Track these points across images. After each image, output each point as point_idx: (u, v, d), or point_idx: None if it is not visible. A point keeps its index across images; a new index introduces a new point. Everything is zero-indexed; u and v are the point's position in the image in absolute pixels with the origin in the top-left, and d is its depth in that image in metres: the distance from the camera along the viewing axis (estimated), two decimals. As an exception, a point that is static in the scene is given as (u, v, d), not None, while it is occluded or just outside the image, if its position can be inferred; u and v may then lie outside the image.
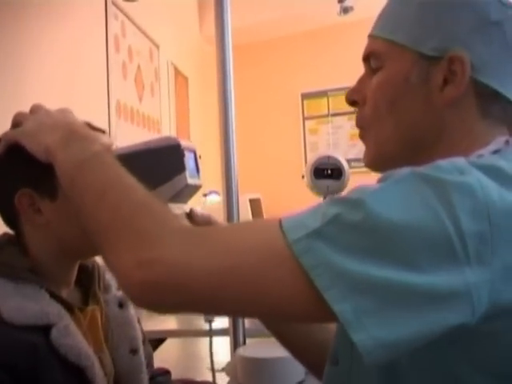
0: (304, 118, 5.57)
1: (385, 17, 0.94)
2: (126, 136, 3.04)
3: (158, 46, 3.76)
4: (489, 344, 0.70)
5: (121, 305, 1.20)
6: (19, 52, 2.12)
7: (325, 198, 1.93)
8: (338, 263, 0.65)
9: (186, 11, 4.53)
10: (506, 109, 0.88)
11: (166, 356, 1.60)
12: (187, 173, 1.00)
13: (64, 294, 1.12)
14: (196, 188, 1.07)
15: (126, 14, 3.02)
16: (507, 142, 0.85)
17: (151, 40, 3.61)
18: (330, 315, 0.64)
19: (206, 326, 1.85)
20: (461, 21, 0.85)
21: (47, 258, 1.10)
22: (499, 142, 0.84)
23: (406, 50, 0.88)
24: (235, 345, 1.78)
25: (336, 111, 5.37)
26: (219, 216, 1.70)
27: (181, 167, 1.00)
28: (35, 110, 1.04)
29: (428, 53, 0.86)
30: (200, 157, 1.08)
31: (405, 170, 0.72)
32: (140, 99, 3.33)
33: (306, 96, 5.53)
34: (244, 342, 1.79)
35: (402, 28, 0.89)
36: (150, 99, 3.54)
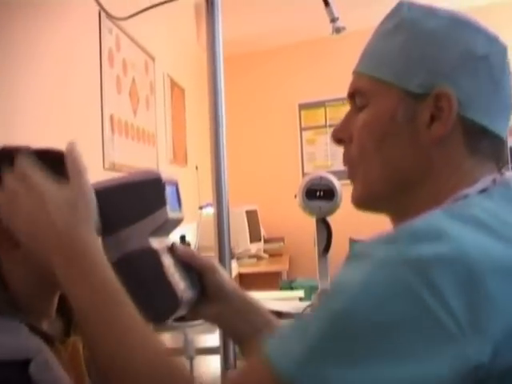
0: (301, 129, 5.56)
1: (369, 53, 0.92)
2: (120, 150, 3.02)
3: (153, 59, 3.75)
4: None
5: None
6: (12, 65, 2.11)
7: (317, 218, 1.92)
8: (341, 378, 0.63)
9: (183, 22, 4.52)
10: (495, 144, 0.87)
11: None
12: (168, 207, 0.98)
13: (45, 325, 1.10)
14: (177, 222, 1.05)
15: (120, 28, 3.01)
16: (494, 180, 0.83)
17: (147, 52, 3.60)
18: None
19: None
20: (446, 56, 0.84)
21: (26, 290, 1.08)
22: (486, 180, 0.82)
23: (391, 87, 0.87)
24: (226, 363, 1.76)
25: (333, 122, 5.35)
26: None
27: (162, 202, 0.98)
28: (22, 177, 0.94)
29: (414, 90, 0.85)
30: (178, 190, 1.05)
31: (380, 253, 0.69)
32: (135, 113, 3.31)
33: (303, 106, 5.53)
34: (234, 362, 1.76)
35: (387, 64, 0.87)
36: (145, 112, 3.53)
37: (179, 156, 4.42)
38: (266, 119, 5.64)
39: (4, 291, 1.06)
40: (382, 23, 0.93)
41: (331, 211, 1.86)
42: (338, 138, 0.95)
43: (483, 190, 0.81)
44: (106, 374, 0.83)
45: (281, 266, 4.64)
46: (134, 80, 3.31)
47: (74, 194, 0.91)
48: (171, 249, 1.03)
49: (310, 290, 2.58)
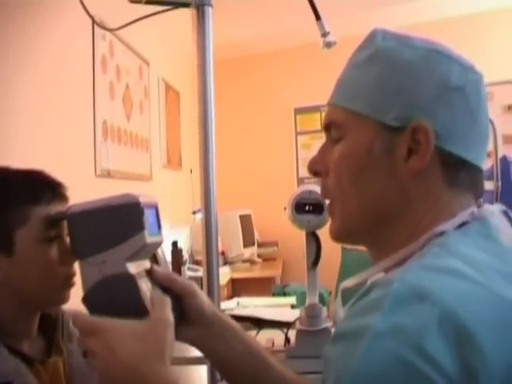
0: (297, 133, 5.55)
1: (343, 84, 0.90)
2: (113, 157, 3.02)
3: (148, 63, 3.74)
4: None
5: (84, 353, 1.17)
6: (5, 71, 2.11)
7: (307, 232, 1.91)
8: None
9: (178, 25, 4.48)
10: (473, 175, 0.86)
11: None
12: (146, 232, 0.97)
13: (25, 346, 1.10)
14: (157, 245, 1.04)
15: (114, 34, 3.00)
16: (472, 213, 0.83)
17: (141, 57, 3.59)
18: None
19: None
20: (422, 88, 0.83)
21: (6, 311, 1.08)
22: (464, 215, 0.82)
23: (367, 119, 0.85)
24: (212, 375, 1.75)
25: (329, 127, 5.36)
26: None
27: (140, 226, 0.96)
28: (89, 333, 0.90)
29: (390, 123, 0.83)
30: (158, 212, 1.04)
31: (368, 326, 0.67)
32: (128, 118, 3.30)
33: (298, 111, 5.52)
34: (222, 377, 1.76)
35: (362, 97, 0.86)
36: (139, 117, 3.52)
37: (173, 160, 4.41)
38: (262, 123, 5.63)
39: (-16, 313, 1.06)
40: (357, 52, 0.91)
41: (320, 225, 1.84)
42: (314, 171, 0.93)
43: (463, 224, 0.81)
44: None
45: (274, 272, 4.62)
46: (127, 85, 3.30)
47: (146, 327, 0.89)
48: (149, 272, 1.02)
49: (302, 297, 2.57)
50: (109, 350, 0.85)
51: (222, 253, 4.53)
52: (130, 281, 0.94)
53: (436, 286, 0.67)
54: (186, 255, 3.57)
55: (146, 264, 1.01)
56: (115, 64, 3.12)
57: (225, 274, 4.03)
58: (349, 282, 0.93)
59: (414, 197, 0.84)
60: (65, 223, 1.09)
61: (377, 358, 0.65)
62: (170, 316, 0.91)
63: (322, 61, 5.59)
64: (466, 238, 0.78)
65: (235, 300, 3.19)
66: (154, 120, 3.90)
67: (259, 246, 5.18)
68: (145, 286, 0.96)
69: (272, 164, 5.53)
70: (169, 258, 3.14)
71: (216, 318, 1.07)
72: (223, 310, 2.83)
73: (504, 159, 3.94)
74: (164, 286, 1.01)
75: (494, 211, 0.87)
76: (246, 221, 4.93)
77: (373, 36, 0.90)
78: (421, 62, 0.84)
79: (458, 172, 0.84)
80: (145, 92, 3.68)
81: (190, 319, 1.04)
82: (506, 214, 0.89)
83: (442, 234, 0.79)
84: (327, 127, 0.91)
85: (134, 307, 0.93)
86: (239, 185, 5.52)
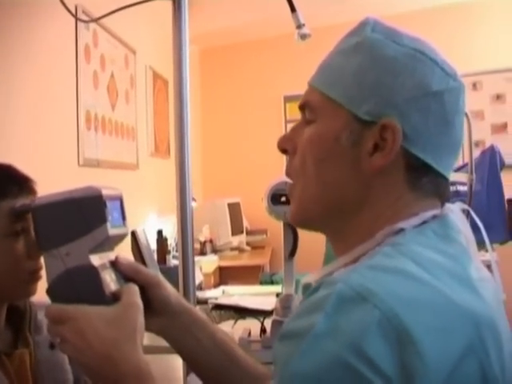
0: (286, 121, 5.55)
1: (326, 68, 0.89)
2: (96, 146, 3.02)
3: (134, 52, 3.73)
4: None
5: (52, 346, 1.19)
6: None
7: (284, 223, 1.92)
8: None
9: (164, 12, 4.48)
10: (437, 182, 0.85)
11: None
12: (109, 224, 0.98)
13: None
14: (121, 237, 1.05)
15: (98, 23, 2.99)
16: (435, 216, 0.82)
17: (127, 46, 3.58)
18: None
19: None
20: (400, 87, 0.81)
21: None
22: (425, 215, 0.82)
23: (341, 108, 0.84)
24: (187, 368, 1.77)
25: (319, 115, 5.36)
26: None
27: (102, 219, 0.97)
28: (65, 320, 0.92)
29: (362, 116, 0.82)
30: (122, 204, 1.05)
31: (310, 327, 0.68)
32: (113, 107, 3.30)
33: (288, 99, 5.51)
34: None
35: (340, 85, 0.85)
36: (125, 106, 3.51)
37: (161, 148, 4.41)
38: (252, 111, 5.63)
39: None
40: (345, 38, 0.90)
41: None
42: (282, 148, 0.93)
43: (420, 224, 0.81)
44: None
45: (262, 260, 4.64)
46: (112, 74, 3.29)
47: (116, 312, 0.91)
48: (113, 263, 1.03)
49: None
50: (80, 336, 0.87)
51: (211, 241, 4.54)
52: (93, 272, 0.96)
53: (380, 288, 0.67)
54: (173, 243, 3.59)
55: (111, 255, 1.02)
56: (99, 53, 3.11)
57: (212, 262, 4.04)
58: (310, 278, 0.93)
59: (373, 192, 0.83)
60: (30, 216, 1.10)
61: (315, 359, 0.66)
62: (139, 301, 0.92)
63: (313, 49, 5.59)
64: (422, 238, 0.78)
65: (221, 288, 3.21)
66: (141, 108, 3.89)
67: (248, 233, 5.19)
68: (108, 277, 0.98)
69: (261, 152, 5.53)
70: (154, 246, 3.15)
71: (183, 309, 1.08)
72: (208, 299, 2.85)
73: (492, 149, 3.96)
74: (129, 276, 1.02)
75: (453, 210, 0.88)
76: (234, 209, 4.95)
77: (363, 25, 0.88)
78: (404, 60, 0.82)
79: (421, 177, 0.83)
80: (131, 81, 3.67)
81: (155, 310, 1.04)
82: (464, 212, 0.89)
83: (399, 231, 0.80)
84: (302, 107, 0.90)
85: (97, 298, 0.94)
86: (228, 173, 5.53)
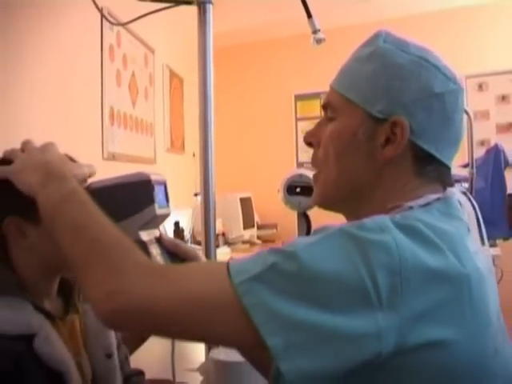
0: (297, 119, 5.68)
1: (344, 73, 1.05)
2: (119, 141, 3.18)
3: (153, 51, 3.89)
4: (391, 376, 0.83)
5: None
6: (20, 60, 2.27)
7: (298, 212, 2.07)
8: (272, 304, 0.79)
9: (182, 14, 4.62)
10: (440, 170, 1.00)
11: (145, 355, 1.73)
12: (156, 205, 1.14)
13: (47, 305, 1.26)
14: (165, 216, 1.21)
15: (119, 23, 3.15)
16: (438, 198, 0.97)
17: (146, 46, 3.74)
18: (264, 347, 0.78)
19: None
20: (407, 90, 0.97)
21: (31, 274, 1.24)
22: (430, 198, 0.96)
23: (357, 107, 0.99)
24: (209, 346, 1.92)
25: (328, 113, 5.48)
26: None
27: (150, 200, 1.14)
28: (24, 146, 1.16)
29: (375, 114, 0.97)
30: (166, 188, 1.22)
31: (335, 228, 0.85)
32: (133, 104, 3.47)
33: (299, 97, 5.64)
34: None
35: (357, 88, 1.00)
36: (144, 103, 3.68)
37: (177, 144, 4.57)
38: (263, 109, 5.77)
39: (12, 275, 1.22)
40: (361, 47, 1.06)
41: (310, 206, 2.01)
42: (308, 142, 1.08)
43: (426, 205, 0.95)
44: (81, 264, 0.94)
45: (272, 252, 4.76)
46: (133, 73, 3.46)
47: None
48: (158, 239, 1.19)
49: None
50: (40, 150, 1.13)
51: (223, 234, 4.69)
52: (142, 246, 1.12)
53: (395, 231, 0.83)
54: (188, 235, 3.75)
55: (156, 232, 1.19)
56: (122, 53, 3.29)
57: (225, 254, 4.19)
58: None
59: (385, 179, 0.99)
60: None
61: (330, 244, 0.83)
62: None
63: (323, 49, 5.71)
64: (427, 214, 0.92)
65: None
66: (159, 106, 4.06)
67: (259, 228, 5.34)
68: (154, 250, 1.14)
69: (272, 149, 5.68)
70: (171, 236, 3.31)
71: None
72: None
73: (496, 148, 4.09)
74: (171, 251, 1.19)
75: (455, 192, 1.03)
76: (246, 203, 5.09)
77: (376, 36, 1.04)
78: (411, 67, 0.98)
79: (426, 166, 0.99)
80: (150, 79, 3.84)
81: None
82: (465, 194, 1.05)
83: (408, 209, 0.94)
84: (325, 106, 1.06)
85: None
86: (241, 169, 5.68)
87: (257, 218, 5.33)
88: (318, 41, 1.87)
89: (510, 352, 0.93)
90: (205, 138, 1.85)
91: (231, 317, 0.81)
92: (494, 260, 3.90)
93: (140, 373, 1.57)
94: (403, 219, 0.88)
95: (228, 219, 4.74)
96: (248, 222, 5.05)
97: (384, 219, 0.86)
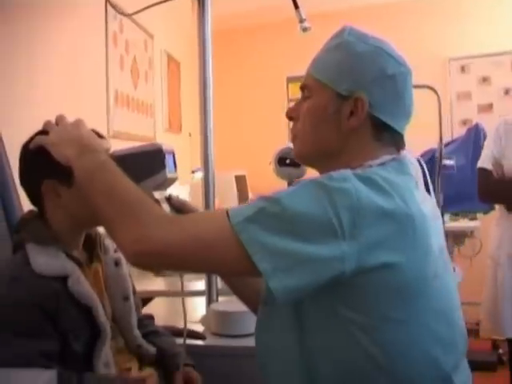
0: (289, 101, 5.88)
1: (317, 60, 1.31)
2: (123, 121, 3.43)
3: (152, 37, 4.11)
4: (354, 291, 1.09)
5: (116, 263, 1.59)
6: (29, 47, 2.49)
7: (288, 182, 2.30)
8: (262, 238, 1.04)
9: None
10: (394, 137, 1.26)
11: (153, 312, 1.94)
12: (167, 170, 1.39)
13: (75, 254, 1.49)
14: (173, 180, 1.46)
15: (124, 13, 3.38)
16: (394, 159, 1.23)
17: (146, 32, 3.97)
18: (257, 272, 1.04)
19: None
20: (366, 73, 1.23)
21: (63, 228, 1.47)
22: (386, 158, 1.22)
23: (327, 87, 1.25)
24: (209, 301, 2.17)
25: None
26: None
27: (162, 166, 1.38)
28: (58, 121, 1.39)
29: (341, 92, 1.23)
30: (174, 157, 1.46)
31: (309, 179, 1.11)
32: (135, 87, 3.71)
33: (291, 79, 5.84)
34: (217, 300, 2.18)
35: (327, 72, 1.26)
36: (144, 86, 3.92)
37: (174, 124, 4.79)
38: (256, 91, 5.97)
39: (48, 228, 1.46)
40: (330, 39, 1.31)
41: (299, 176, 2.23)
42: (289, 116, 1.34)
43: (382, 164, 1.21)
44: (113, 218, 1.17)
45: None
46: (135, 58, 3.70)
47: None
48: (168, 199, 1.44)
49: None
50: (72, 125, 1.34)
51: (219, 210, 4.89)
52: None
53: (355, 180, 1.08)
54: (185, 210, 3.97)
55: (166, 194, 1.43)
56: (124, 39, 3.52)
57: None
58: None
59: (350, 143, 1.24)
60: None
61: (304, 192, 1.08)
62: None
63: (314, 33, 5.91)
64: (383, 170, 1.17)
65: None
66: (157, 88, 4.29)
67: (253, 204, 5.53)
68: (165, 207, 1.39)
69: (266, 129, 5.86)
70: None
71: None
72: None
73: (476, 127, 4.33)
74: (178, 208, 1.44)
75: (406, 154, 1.28)
76: (240, 181, 5.29)
77: (342, 31, 1.29)
78: (369, 54, 1.23)
79: (383, 132, 1.24)
80: (149, 63, 4.06)
81: None
82: (418, 161, 1.31)
83: (369, 167, 1.19)
84: (302, 88, 1.31)
85: None
86: (235, 148, 5.89)
87: (251, 195, 5.55)
88: (304, 29, 2.11)
89: (448, 278, 1.21)
90: (205, 119, 2.06)
91: (231, 250, 1.06)
92: (474, 232, 4.18)
93: (150, 317, 1.81)
94: (363, 173, 1.12)
95: (223, 196, 4.94)
96: (243, 200, 5.24)
97: (347, 172, 1.11)
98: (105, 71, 3.22)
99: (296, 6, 2.12)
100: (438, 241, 1.19)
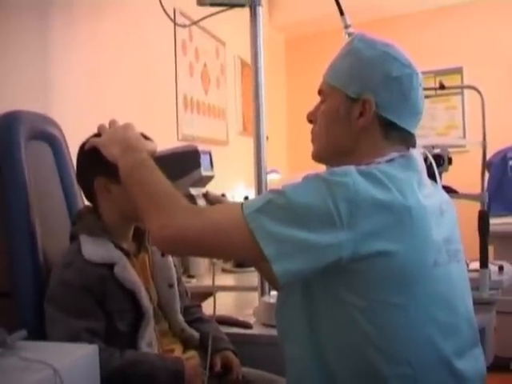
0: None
1: (331, 67, 1.41)
2: (192, 124, 3.62)
3: (224, 44, 4.27)
4: (354, 276, 1.19)
5: (162, 254, 1.74)
6: (104, 58, 2.68)
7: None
8: (269, 227, 1.16)
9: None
10: (403, 135, 1.35)
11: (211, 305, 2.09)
12: (202, 168, 1.52)
13: (124, 245, 1.65)
14: (210, 178, 1.59)
15: (193, 21, 3.55)
16: (402, 156, 1.31)
17: (217, 39, 4.13)
18: (263, 257, 1.16)
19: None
20: (373, 76, 1.32)
21: (113, 221, 1.63)
22: (393, 155, 1.30)
23: (339, 91, 1.35)
24: (262, 295, 2.29)
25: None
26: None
27: (197, 164, 1.52)
28: (111, 124, 1.56)
29: (351, 95, 1.33)
30: (211, 157, 1.60)
31: (313, 174, 1.21)
32: (206, 92, 3.88)
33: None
34: (269, 293, 2.29)
35: (338, 76, 1.37)
36: (216, 91, 4.08)
37: (249, 127, 4.93)
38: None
39: (99, 221, 1.63)
40: (343, 48, 1.41)
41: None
42: (309, 119, 1.44)
43: (391, 160, 1.29)
44: (146, 208, 1.31)
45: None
46: (205, 64, 3.87)
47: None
48: (205, 195, 1.58)
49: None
50: (122, 128, 1.50)
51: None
52: (191, 199, 1.49)
53: (357, 175, 1.17)
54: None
55: (203, 190, 1.57)
56: (194, 47, 3.70)
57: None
58: None
59: (360, 142, 1.34)
60: None
61: (308, 186, 1.18)
62: None
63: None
64: (389, 166, 1.25)
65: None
66: (230, 93, 4.44)
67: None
68: (201, 202, 1.52)
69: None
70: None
71: None
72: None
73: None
74: (214, 203, 1.57)
75: (415, 151, 1.35)
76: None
77: (353, 39, 1.40)
78: (376, 59, 1.33)
79: (391, 131, 1.33)
80: (221, 69, 4.23)
81: None
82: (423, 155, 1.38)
83: (377, 163, 1.27)
84: (319, 92, 1.42)
85: None
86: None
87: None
88: (349, 34, 2.19)
89: (452, 268, 1.28)
90: (257, 122, 2.17)
91: (242, 237, 1.18)
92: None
93: (198, 305, 1.95)
94: (365, 168, 1.21)
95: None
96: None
97: (350, 168, 1.20)
98: (174, 78, 3.41)
99: (341, 13, 2.21)
100: (442, 232, 1.26)
